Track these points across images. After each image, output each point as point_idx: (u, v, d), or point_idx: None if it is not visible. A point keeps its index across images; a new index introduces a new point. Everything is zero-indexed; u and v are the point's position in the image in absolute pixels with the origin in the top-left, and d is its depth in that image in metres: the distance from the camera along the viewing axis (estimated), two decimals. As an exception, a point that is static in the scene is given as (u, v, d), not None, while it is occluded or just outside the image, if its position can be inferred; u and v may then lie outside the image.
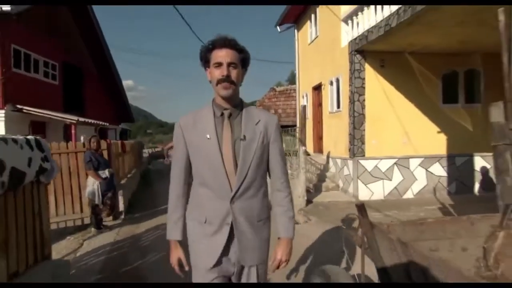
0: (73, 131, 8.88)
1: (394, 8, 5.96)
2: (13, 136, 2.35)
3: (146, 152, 22.85)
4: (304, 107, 7.87)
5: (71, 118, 9.20)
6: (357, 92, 7.60)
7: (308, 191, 7.44)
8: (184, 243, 1.62)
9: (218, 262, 1.52)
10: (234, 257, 1.53)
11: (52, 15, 10.58)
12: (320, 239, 4.75)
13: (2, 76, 7.99)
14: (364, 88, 7.60)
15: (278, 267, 1.59)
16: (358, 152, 7.60)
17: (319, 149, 10.22)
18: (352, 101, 7.66)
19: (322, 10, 9.67)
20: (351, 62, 7.67)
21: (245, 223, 1.51)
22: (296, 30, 12.42)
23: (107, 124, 12.84)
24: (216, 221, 1.51)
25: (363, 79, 7.60)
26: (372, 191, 7.54)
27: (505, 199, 2.93)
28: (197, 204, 1.57)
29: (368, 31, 6.92)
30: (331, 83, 9.03)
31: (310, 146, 10.25)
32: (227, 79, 1.44)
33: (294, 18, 12.20)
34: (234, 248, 1.53)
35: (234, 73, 1.47)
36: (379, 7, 6.60)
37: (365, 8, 7.14)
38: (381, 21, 6.38)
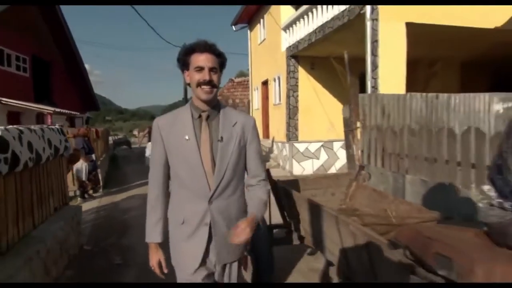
0: (49, 120, 10.01)
1: (313, 27, 7.84)
2: (52, 126, 3.91)
3: (110, 139, 23.69)
4: (248, 101, 9.68)
5: (47, 108, 10.31)
6: (292, 89, 9.51)
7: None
8: (163, 244, 1.62)
9: (202, 263, 1.55)
10: (214, 256, 1.57)
11: (21, 11, 11.40)
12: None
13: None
14: (297, 86, 9.53)
15: (240, 238, 1.45)
16: (293, 137, 9.57)
17: (267, 135, 12.13)
18: (288, 96, 9.57)
19: (268, 17, 11.41)
20: (288, 65, 9.55)
21: (223, 222, 1.54)
22: (249, 30, 14.08)
23: (78, 113, 13.88)
24: (194, 222, 1.53)
25: (297, 78, 9.52)
26: (304, 168, 9.57)
27: (349, 164, 4.93)
28: (175, 205, 1.59)
29: (298, 41, 8.79)
30: (275, 80, 10.89)
31: (260, 132, 12.11)
32: (209, 83, 1.49)
33: (248, 19, 13.81)
34: (213, 249, 1.56)
35: (215, 78, 1.51)
36: (308, 23, 8.46)
37: (297, 22, 8.98)
38: (306, 35, 8.26)
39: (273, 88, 11.16)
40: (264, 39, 12.04)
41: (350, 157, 4.92)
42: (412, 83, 10.13)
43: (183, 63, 1.53)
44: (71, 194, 7.42)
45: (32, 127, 3.37)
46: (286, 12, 9.89)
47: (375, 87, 5.68)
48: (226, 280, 1.63)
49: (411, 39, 6.05)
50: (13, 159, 2.68)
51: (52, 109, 10.34)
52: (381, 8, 5.53)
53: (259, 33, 12.74)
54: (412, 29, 5.61)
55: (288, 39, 9.63)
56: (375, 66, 5.67)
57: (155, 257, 1.58)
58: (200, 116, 1.55)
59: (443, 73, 9.97)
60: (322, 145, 9.70)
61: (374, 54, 5.63)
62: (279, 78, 10.48)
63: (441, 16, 5.68)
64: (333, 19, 6.81)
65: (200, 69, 1.49)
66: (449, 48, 8.08)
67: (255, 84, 13.57)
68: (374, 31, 5.56)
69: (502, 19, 5.76)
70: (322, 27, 7.27)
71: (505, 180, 1.49)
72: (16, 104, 9.39)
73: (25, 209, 3.08)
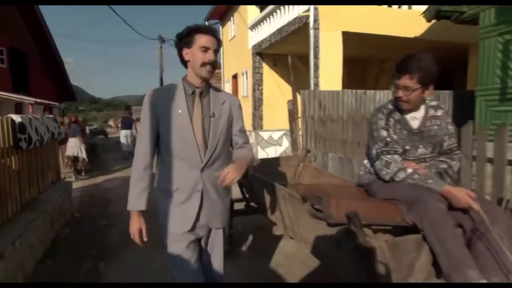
0: (30, 110, 10.63)
1: (273, 29, 8.92)
2: (49, 116, 4.83)
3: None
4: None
5: (28, 99, 10.91)
6: (257, 83, 10.61)
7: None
8: (145, 214, 1.67)
9: (193, 227, 1.67)
10: (203, 221, 1.70)
11: (-3, 4, 11.79)
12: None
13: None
14: (262, 80, 10.63)
15: (227, 178, 1.55)
16: (258, 126, 10.71)
17: (236, 124, 13.21)
18: (254, 90, 10.66)
19: (237, 16, 12.37)
20: (253, 61, 10.61)
21: (213, 190, 1.67)
22: (221, 27, 14.98)
23: (57, 103, 14.39)
24: (188, 188, 1.64)
25: (261, 74, 10.61)
26: (268, 153, 10.75)
27: (292, 146, 6.12)
28: (167, 174, 1.66)
29: (262, 40, 9.85)
30: (243, 74, 11.93)
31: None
32: (213, 63, 1.60)
33: (219, 16, 14.69)
34: (204, 213, 1.68)
35: (216, 58, 1.64)
36: (269, 25, 9.51)
37: (261, 23, 10.02)
38: (268, 36, 9.33)
39: (241, 81, 12.21)
40: (234, 36, 13.02)
41: (293, 141, 6.11)
42: (365, 79, 11.49)
43: (186, 41, 1.60)
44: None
45: (35, 115, 4.30)
46: (253, 12, 10.91)
47: (316, 84, 6.88)
48: (211, 244, 1.80)
49: (357, 42, 7.27)
50: (28, 139, 3.64)
51: (33, 99, 10.95)
52: (322, 19, 6.70)
53: (229, 30, 13.69)
54: (349, 36, 6.83)
55: (254, 37, 10.67)
56: (316, 67, 6.86)
57: (136, 225, 1.66)
58: (193, 92, 1.65)
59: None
60: (284, 133, 10.88)
61: (316, 57, 6.81)
62: (246, 73, 11.54)
63: (372, 26, 6.93)
64: (288, 24, 7.93)
65: (205, 49, 1.58)
66: (392, 49, 9.41)
67: (227, 77, 14.56)
68: (316, 38, 6.73)
69: (420, 30, 7.06)
70: (280, 30, 8.38)
71: (369, 155, 2.14)
72: (-2, 95, 9.97)
73: (33, 178, 4.04)
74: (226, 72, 14.68)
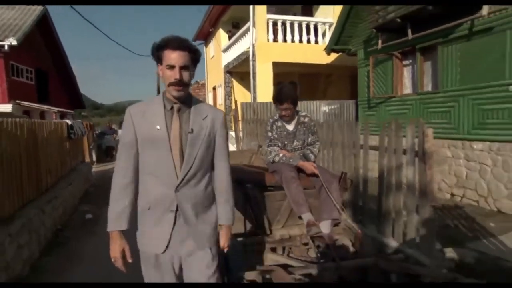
0: (53, 117, 13.83)
1: (234, 55, 12.06)
2: (79, 121, 8.02)
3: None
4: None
5: (53, 108, 14.15)
6: (228, 94, 13.78)
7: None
8: (126, 233, 1.59)
9: (168, 248, 1.58)
10: (180, 242, 1.59)
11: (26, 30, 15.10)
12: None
13: (7, 81, 12.72)
14: (231, 92, 13.79)
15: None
16: (229, 128, 13.86)
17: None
18: (225, 99, 13.83)
19: (214, 40, 15.55)
20: (225, 77, 13.78)
21: (190, 209, 1.58)
22: (204, 47, 18.19)
23: (72, 112, 17.66)
24: (160, 208, 1.57)
25: (231, 87, 13.78)
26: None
27: (236, 143, 9.28)
28: (142, 192, 1.63)
29: (229, 62, 13.02)
30: (219, 86, 15.10)
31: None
32: (179, 82, 1.51)
33: (204, 38, 17.88)
34: (181, 234, 1.59)
35: (186, 76, 1.53)
36: (233, 51, 12.64)
37: (229, 48, 13.17)
38: (232, 60, 12.49)
39: (218, 92, 15.38)
40: (213, 56, 16.22)
41: (236, 137, 9.26)
42: (314, 91, 14.59)
43: (156, 57, 1.55)
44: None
45: (74, 121, 7.49)
46: (224, 39, 14.09)
47: (255, 98, 10.05)
48: (196, 267, 1.62)
49: (288, 66, 10.44)
50: (74, 134, 6.81)
51: (56, 109, 14.18)
52: (258, 54, 9.90)
53: (210, 50, 16.88)
54: (278, 65, 9.99)
55: (225, 59, 13.85)
56: (254, 86, 10.04)
57: (117, 247, 1.56)
58: (172, 108, 1.58)
59: (337, 82, 14.43)
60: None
61: (254, 79, 9.99)
62: (221, 85, 14.72)
63: (293, 57, 10.12)
64: (241, 54, 11.10)
65: (171, 67, 1.50)
66: (317, 69, 12.52)
67: (210, 88, 17.75)
68: (254, 67, 9.91)
69: (330, 59, 10.18)
70: (237, 57, 11.55)
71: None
72: (29, 105, 13.20)
73: (75, 156, 7.20)
74: (209, 84, 17.87)
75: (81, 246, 4.17)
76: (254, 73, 9.95)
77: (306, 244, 2.83)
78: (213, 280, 1.65)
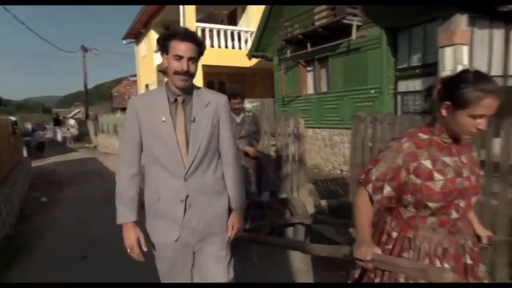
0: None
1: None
2: (12, 118, 8.44)
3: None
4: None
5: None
6: (161, 92, 14.68)
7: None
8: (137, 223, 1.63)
9: (180, 237, 1.60)
10: (193, 230, 1.62)
11: None
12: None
13: None
14: (164, 90, 14.72)
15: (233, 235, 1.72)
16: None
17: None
18: (159, 97, 14.70)
19: (146, 40, 16.23)
20: (158, 76, 14.66)
21: (200, 197, 1.61)
22: (136, 45, 18.63)
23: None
24: (170, 198, 1.60)
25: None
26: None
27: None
28: (150, 184, 1.65)
29: (162, 63, 13.90)
30: (152, 84, 15.87)
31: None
32: (186, 73, 1.53)
33: (135, 36, 18.30)
34: (192, 221, 1.61)
35: (192, 67, 1.56)
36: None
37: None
38: (161, 62, 13.44)
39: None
40: (145, 55, 16.87)
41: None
42: (243, 89, 16.17)
43: (163, 47, 1.56)
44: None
45: (11, 118, 7.95)
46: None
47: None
48: (211, 252, 1.66)
49: (215, 68, 11.83)
50: (17, 129, 7.37)
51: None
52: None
53: (142, 49, 17.46)
54: (206, 68, 11.35)
55: (158, 59, 14.69)
56: (187, 86, 11.29)
57: (132, 235, 1.58)
58: (176, 100, 1.60)
59: (261, 82, 16.21)
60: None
61: (186, 80, 11.22)
62: (154, 84, 15.52)
63: (220, 60, 11.59)
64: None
65: (179, 58, 1.52)
66: (243, 71, 14.21)
67: (142, 85, 18.31)
68: (186, 68, 11.12)
69: (252, 63, 11.86)
70: (170, 58, 12.59)
71: None
72: None
73: (19, 150, 7.71)
74: (141, 82, 18.42)
75: (44, 219, 5.10)
76: (186, 74, 11.17)
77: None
78: (225, 263, 1.70)
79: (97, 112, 23.47)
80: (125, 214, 1.60)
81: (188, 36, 1.54)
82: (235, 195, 1.73)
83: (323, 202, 5.44)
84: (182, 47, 1.52)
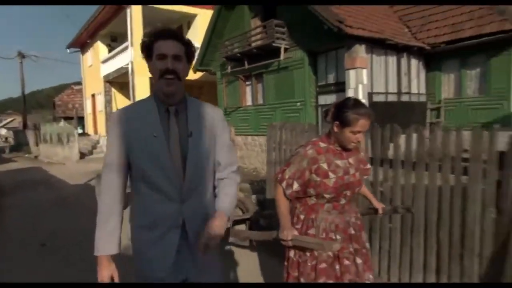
0: None
1: (114, 68, 13.49)
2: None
3: None
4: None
5: None
6: (108, 102, 14.96)
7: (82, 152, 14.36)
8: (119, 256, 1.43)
9: (172, 269, 1.41)
10: (189, 262, 1.44)
11: None
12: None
13: None
14: (111, 100, 15.02)
15: (208, 244, 1.35)
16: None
17: (95, 131, 17.15)
18: (106, 106, 14.96)
19: (92, 50, 16.38)
20: (104, 86, 14.93)
21: (198, 220, 1.42)
22: (81, 54, 18.57)
23: None
24: (165, 224, 1.40)
25: (111, 95, 15.01)
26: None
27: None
28: (141, 208, 1.44)
29: (109, 73, 14.29)
30: (99, 94, 16.04)
31: (91, 129, 17.06)
32: (172, 72, 1.34)
33: (80, 46, 18.25)
34: (189, 252, 1.43)
35: (179, 67, 1.36)
36: (114, 64, 13.98)
37: (109, 60, 14.42)
38: (112, 72, 13.84)
39: (98, 100, 16.28)
40: (91, 65, 16.97)
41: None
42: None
43: (147, 53, 1.39)
44: None
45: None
46: (103, 51, 15.21)
47: (135, 106, 11.93)
48: (206, 279, 1.49)
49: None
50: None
51: None
52: (136, 70, 11.79)
53: (88, 58, 17.51)
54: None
55: (105, 69, 15.00)
56: (134, 97, 11.88)
57: (107, 272, 1.37)
58: (167, 110, 1.41)
59: (208, 93, 17.09)
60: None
61: (133, 90, 11.84)
62: (101, 93, 15.72)
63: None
64: (121, 67, 12.68)
65: (162, 56, 1.34)
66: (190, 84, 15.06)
67: (87, 95, 18.26)
68: (133, 80, 11.75)
69: (198, 76, 12.77)
70: (118, 70, 13.05)
71: None
72: None
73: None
74: (87, 91, 18.37)
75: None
76: (133, 85, 11.77)
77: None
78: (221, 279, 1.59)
79: (36, 121, 22.58)
80: (103, 246, 1.38)
81: (171, 33, 1.39)
82: (225, 201, 1.47)
83: (253, 197, 6.51)
84: (166, 44, 1.36)
